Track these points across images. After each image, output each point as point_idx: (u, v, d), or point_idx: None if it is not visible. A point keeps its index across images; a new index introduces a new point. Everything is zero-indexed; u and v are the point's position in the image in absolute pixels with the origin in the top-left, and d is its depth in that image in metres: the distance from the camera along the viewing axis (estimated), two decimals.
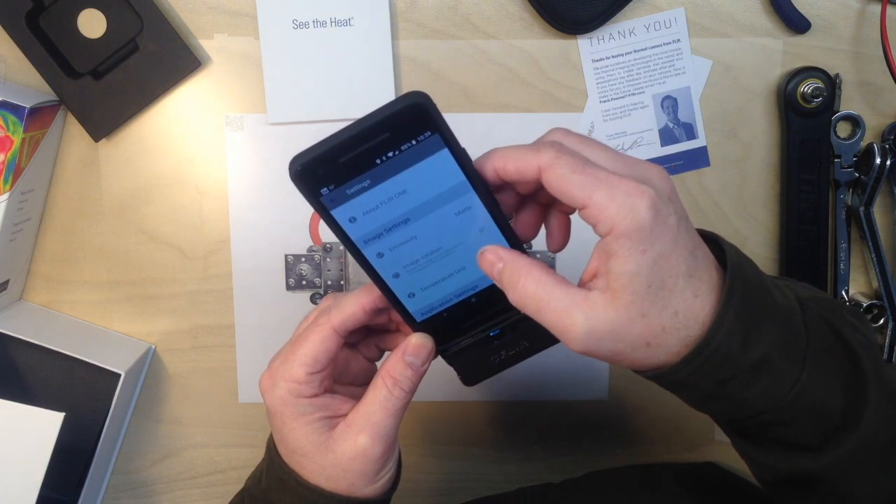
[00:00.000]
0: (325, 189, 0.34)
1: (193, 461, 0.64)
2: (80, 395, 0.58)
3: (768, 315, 0.35)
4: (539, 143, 0.35)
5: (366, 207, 0.35)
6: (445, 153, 0.34)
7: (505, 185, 0.36)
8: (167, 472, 0.64)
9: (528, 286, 0.34)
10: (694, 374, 0.34)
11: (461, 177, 0.34)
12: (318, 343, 0.39)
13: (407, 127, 0.33)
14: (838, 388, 0.35)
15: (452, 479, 0.65)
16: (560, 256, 0.60)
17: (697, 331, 0.34)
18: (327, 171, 0.33)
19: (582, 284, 0.35)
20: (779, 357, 0.34)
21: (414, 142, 0.33)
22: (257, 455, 0.68)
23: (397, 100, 0.32)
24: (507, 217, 0.37)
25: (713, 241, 0.37)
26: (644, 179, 0.33)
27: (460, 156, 0.34)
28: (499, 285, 0.36)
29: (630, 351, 0.34)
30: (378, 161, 0.33)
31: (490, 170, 0.35)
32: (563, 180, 0.33)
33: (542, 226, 0.39)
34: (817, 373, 0.35)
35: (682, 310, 0.33)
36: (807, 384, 0.35)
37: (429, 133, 0.33)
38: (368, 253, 0.36)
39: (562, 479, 0.61)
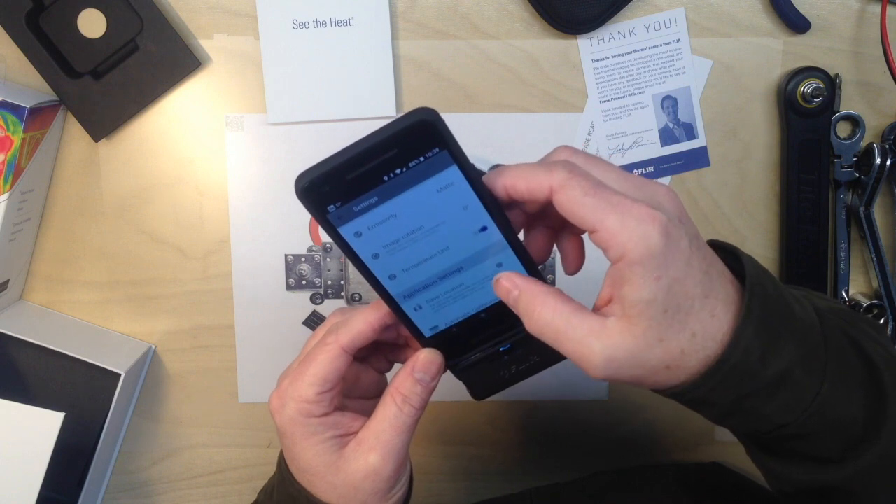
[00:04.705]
0: (332, 206, 0.33)
1: (193, 461, 0.64)
2: (80, 395, 0.58)
3: (788, 329, 0.34)
4: (550, 163, 0.34)
5: (373, 224, 0.34)
6: (454, 169, 0.33)
7: (513, 204, 0.36)
8: (167, 472, 0.64)
9: (544, 315, 0.34)
10: (713, 392, 0.34)
11: (470, 193, 0.34)
12: (328, 362, 0.38)
13: (415, 143, 0.32)
14: (858, 400, 0.35)
15: (452, 479, 0.65)
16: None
17: (716, 350, 0.33)
18: (334, 188, 0.33)
19: (597, 310, 0.34)
20: (799, 371, 0.34)
21: (422, 158, 0.32)
22: (257, 455, 0.68)
23: (405, 116, 0.32)
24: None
25: (729, 252, 0.36)
26: (654, 202, 0.33)
27: (469, 172, 0.34)
28: (515, 311, 0.35)
29: (650, 375, 0.33)
30: (386, 178, 0.33)
31: (500, 187, 0.34)
32: (574, 202, 0.32)
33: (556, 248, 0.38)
34: (837, 385, 0.35)
35: (700, 331, 0.33)
36: (827, 397, 0.34)
37: (437, 150, 0.32)
38: (375, 269, 0.36)
39: (564, 479, 0.61)
